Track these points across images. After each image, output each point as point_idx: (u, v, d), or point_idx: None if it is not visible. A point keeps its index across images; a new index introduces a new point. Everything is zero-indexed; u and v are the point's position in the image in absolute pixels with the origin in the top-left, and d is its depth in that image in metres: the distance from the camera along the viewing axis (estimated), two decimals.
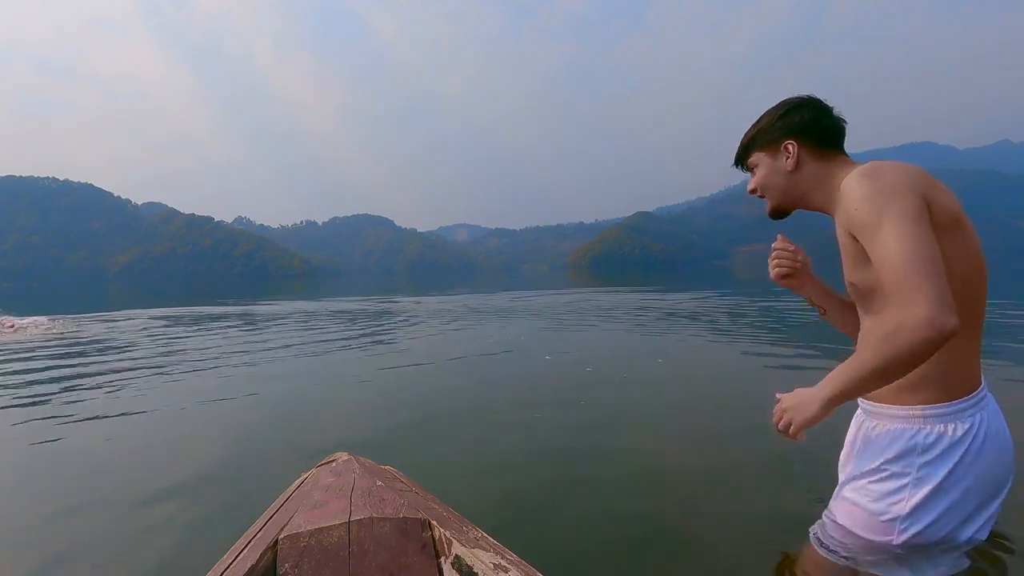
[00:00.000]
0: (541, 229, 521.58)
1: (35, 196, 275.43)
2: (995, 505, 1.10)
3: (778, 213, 1.28)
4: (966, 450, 1.04)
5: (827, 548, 1.19)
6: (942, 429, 1.05)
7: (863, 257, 1.07)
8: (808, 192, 1.21)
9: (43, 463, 2.30)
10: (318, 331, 7.07)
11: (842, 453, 1.28)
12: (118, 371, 4.40)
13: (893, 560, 1.09)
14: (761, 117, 1.27)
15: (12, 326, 8.15)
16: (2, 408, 3.26)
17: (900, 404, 1.10)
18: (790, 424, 1.08)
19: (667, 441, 2.28)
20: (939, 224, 1.01)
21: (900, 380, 1.05)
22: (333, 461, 1.13)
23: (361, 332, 6.87)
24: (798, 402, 1.09)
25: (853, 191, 1.05)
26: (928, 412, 1.06)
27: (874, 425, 1.16)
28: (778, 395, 1.14)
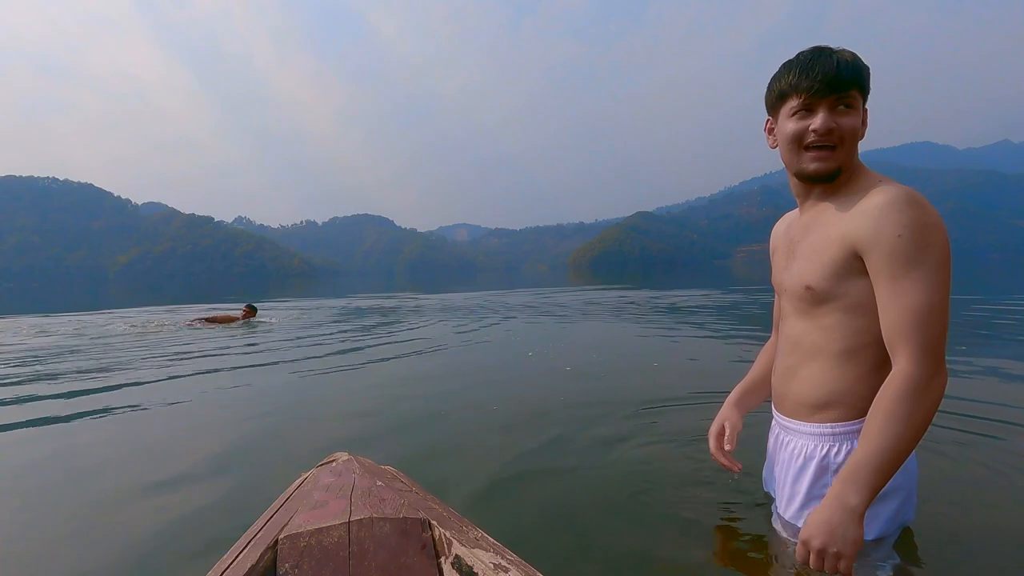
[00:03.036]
0: (541, 229, 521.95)
1: (35, 196, 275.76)
2: (914, 498, 1.16)
3: (830, 173, 1.05)
4: None
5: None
6: (850, 446, 1.09)
7: (850, 271, 1.02)
8: (852, 162, 1.06)
9: (34, 460, 2.30)
10: (318, 329, 7.07)
11: (765, 464, 1.36)
12: (108, 367, 4.40)
13: None
14: (857, 58, 1.02)
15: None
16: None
17: (809, 421, 1.14)
18: (840, 563, 0.91)
19: (669, 441, 2.28)
20: None
21: (811, 399, 1.12)
22: (333, 461, 1.13)
23: (362, 331, 6.88)
24: (830, 532, 0.92)
25: (901, 213, 0.93)
26: (837, 430, 1.10)
27: (788, 440, 1.20)
28: (801, 537, 0.98)
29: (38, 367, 4.71)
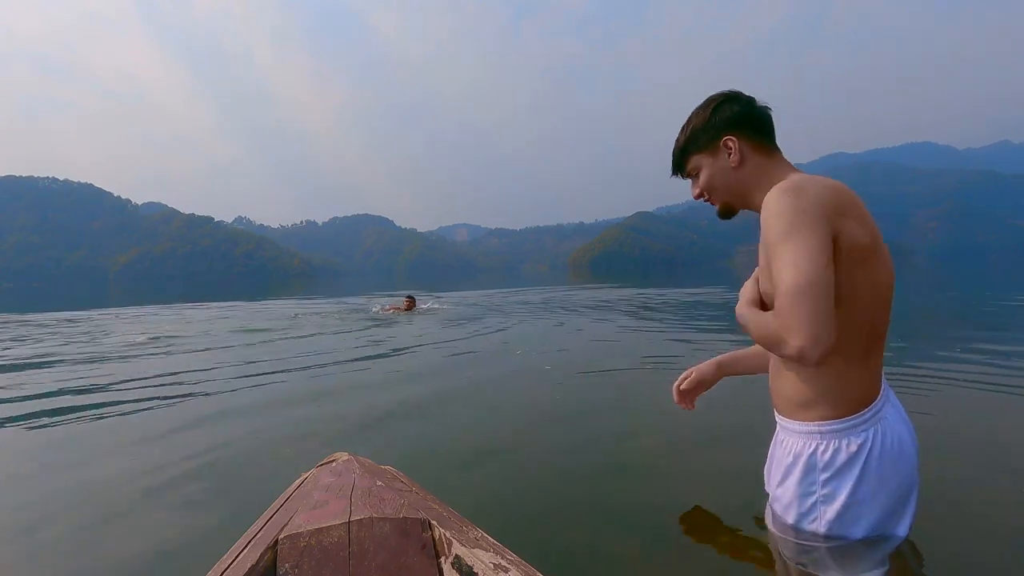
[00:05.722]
0: (541, 229, 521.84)
1: (35, 196, 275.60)
2: (910, 506, 1.16)
3: (727, 213, 1.27)
4: (864, 463, 1.09)
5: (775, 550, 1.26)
6: (837, 444, 1.10)
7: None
8: (753, 188, 1.19)
9: (26, 460, 2.30)
10: (316, 329, 7.07)
11: (766, 461, 1.36)
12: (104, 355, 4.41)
13: (822, 561, 1.15)
14: (690, 119, 1.25)
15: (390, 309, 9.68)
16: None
17: (799, 420, 1.16)
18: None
19: (669, 441, 2.28)
20: (849, 255, 1.02)
21: (802, 396, 1.14)
22: (333, 461, 1.13)
23: (362, 331, 6.87)
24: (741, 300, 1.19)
25: (771, 205, 1.05)
26: (824, 428, 1.11)
27: (783, 439, 1.22)
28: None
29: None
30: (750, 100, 1.21)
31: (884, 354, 1.15)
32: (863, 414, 1.09)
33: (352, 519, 0.82)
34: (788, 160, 1.21)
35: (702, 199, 1.27)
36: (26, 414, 3.11)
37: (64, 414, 3.06)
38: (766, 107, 1.21)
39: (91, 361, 5.00)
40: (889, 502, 1.11)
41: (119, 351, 5.61)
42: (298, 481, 1.07)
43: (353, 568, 0.76)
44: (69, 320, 9.87)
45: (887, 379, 1.17)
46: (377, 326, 7.40)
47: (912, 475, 1.14)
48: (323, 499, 0.91)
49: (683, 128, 1.25)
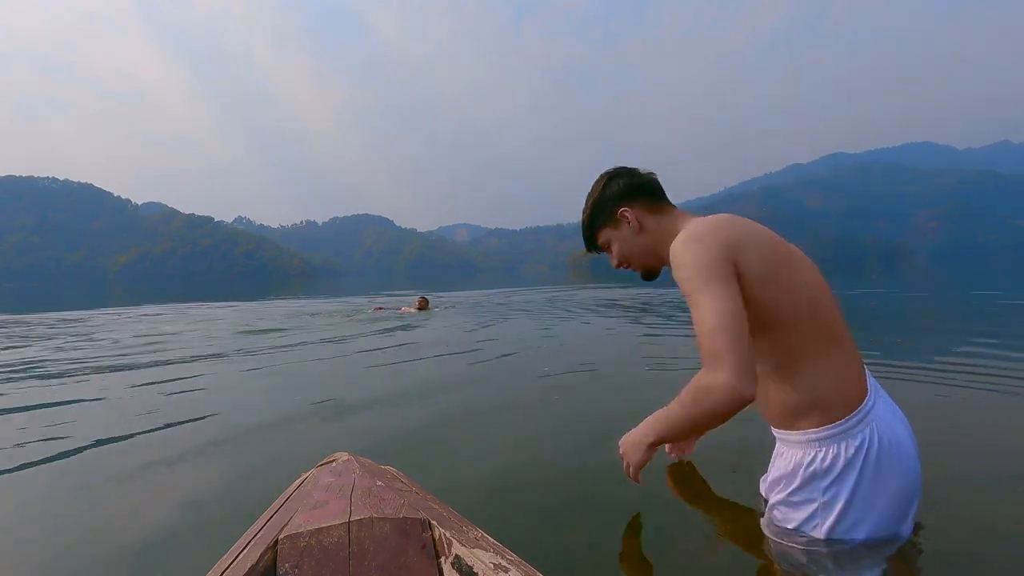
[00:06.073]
0: (541, 229, 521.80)
1: (35, 196, 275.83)
2: (912, 506, 1.16)
3: (650, 275, 1.36)
4: (862, 466, 1.09)
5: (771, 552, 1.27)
6: (835, 450, 1.11)
7: None
8: (660, 246, 1.28)
9: (29, 467, 2.30)
10: (314, 331, 7.08)
11: (766, 472, 1.37)
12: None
13: (823, 564, 1.15)
14: (587, 201, 1.37)
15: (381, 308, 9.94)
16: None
17: (794, 430, 1.17)
18: (629, 468, 1.24)
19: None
20: (758, 274, 1.09)
21: (791, 408, 1.16)
22: (333, 461, 1.13)
23: (377, 334, 6.87)
24: (629, 449, 1.24)
25: (675, 259, 1.14)
26: (820, 435, 1.12)
27: (782, 451, 1.24)
28: (619, 443, 1.28)
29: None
30: (633, 171, 1.33)
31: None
32: (855, 415, 1.10)
33: (352, 519, 0.82)
34: (682, 210, 1.31)
35: (623, 268, 1.37)
36: (23, 416, 3.11)
37: (62, 414, 3.07)
38: (650, 173, 1.33)
39: (91, 361, 5.00)
40: (891, 502, 1.11)
41: (119, 352, 5.62)
42: (298, 481, 1.07)
43: (353, 568, 0.76)
44: (68, 320, 9.88)
45: (886, 377, 1.18)
46: (391, 327, 7.39)
47: (915, 476, 1.14)
48: (323, 499, 0.91)
49: (584, 210, 1.37)
